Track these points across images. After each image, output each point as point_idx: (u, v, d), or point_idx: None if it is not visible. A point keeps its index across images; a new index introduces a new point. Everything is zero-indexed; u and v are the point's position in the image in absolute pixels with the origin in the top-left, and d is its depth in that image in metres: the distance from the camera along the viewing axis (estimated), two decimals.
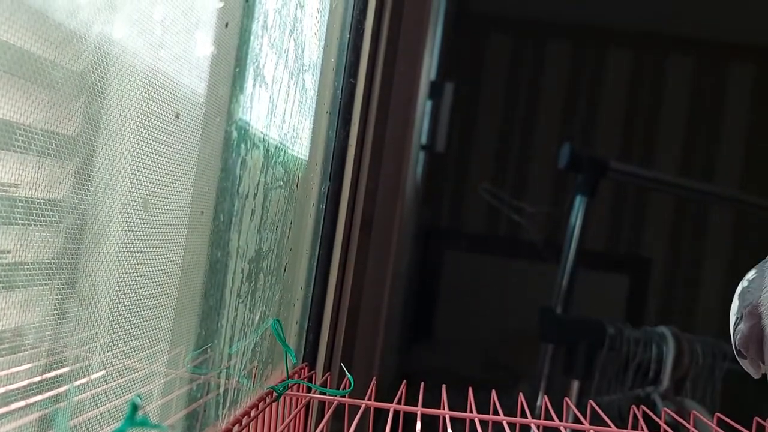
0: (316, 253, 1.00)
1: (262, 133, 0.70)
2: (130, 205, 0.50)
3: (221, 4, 0.59)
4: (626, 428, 0.72)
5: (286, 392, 0.75)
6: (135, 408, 0.37)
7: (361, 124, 1.06)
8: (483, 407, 0.78)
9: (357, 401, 0.75)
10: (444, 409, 0.75)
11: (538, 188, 2.21)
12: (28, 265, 0.41)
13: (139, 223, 0.52)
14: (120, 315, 0.50)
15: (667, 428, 0.78)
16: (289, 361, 0.75)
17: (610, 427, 0.72)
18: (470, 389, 0.83)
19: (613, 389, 1.61)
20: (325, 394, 0.79)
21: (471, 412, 0.77)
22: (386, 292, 1.38)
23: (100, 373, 0.49)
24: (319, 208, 0.99)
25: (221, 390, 0.67)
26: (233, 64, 0.62)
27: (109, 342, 0.49)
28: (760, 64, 2.26)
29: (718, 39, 2.25)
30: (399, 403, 0.75)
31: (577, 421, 0.78)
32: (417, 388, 0.82)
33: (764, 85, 2.25)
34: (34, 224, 0.41)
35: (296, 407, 0.77)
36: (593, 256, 2.11)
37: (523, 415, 0.77)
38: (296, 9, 0.76)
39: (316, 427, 0.72)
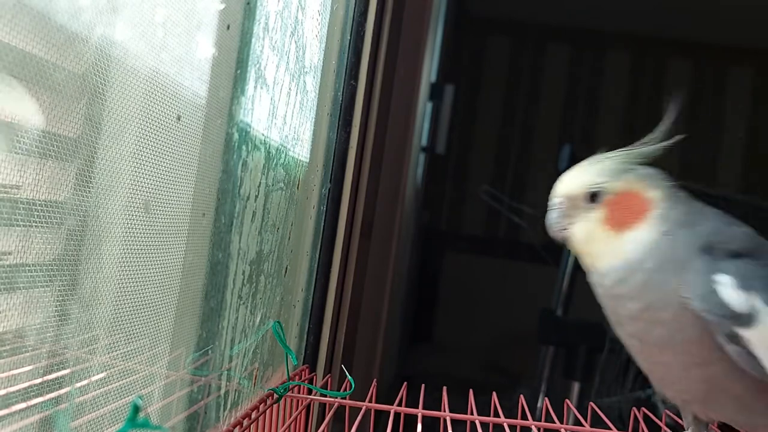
0: (317, 255, 1.00)
1: (263, 134, 0.70)
2: (131, 206, 0.50)
3: (223, 6, 0.59)
4: (627, 430, 0.72)
5: (287, 394, 0.75)
6: (136, 409, 0.37)
7: (361, 126, 1.06)
8: (483, 409, 0.78)
9: (358, 403, 0.75)
10: (445, 411, 0.75)
11: (539, 190, 2.21)
12: (30, 266, 0.41)
13: (140, 225, 0.52)
14: (121, 317, 0.50)
15: (667, 430, 0.78)
16: (290, 363, 0.75)
17: (610, 429, 0.72)
18: (471, 391, 0.83)
19: (614, 391, 1.61)
20: (325, 396, 0.79)
21: (471, 414, 0.77)
22: (386, 293, 1.38)
23: (101, 375, 0.49)
24: (319, 210, 0.99)
25: (222, 392, 0.67)
26: (234, 66, 0.62)
27: (110, 344, 0.49)
28: (758, 66, 2.26)
29: (717, 42, 2.25)
30: (400, 405, 0.75)
31: (577, 423, 0.78)
32: (417, 391, 0.82)
33: (763, 87, 2.25)
34: (36, 226, 0.41)
35: (297, 409, 0.77)
36: None
37: (524, 417, 0.77)
38: (297, 11, 0.76)
39: (316, 429, 0.72)
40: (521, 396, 0.83)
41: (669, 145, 0.65)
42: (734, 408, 0.63)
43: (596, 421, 0.76)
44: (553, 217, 0.65)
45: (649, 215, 0.62)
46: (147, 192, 0.51)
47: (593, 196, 0.63)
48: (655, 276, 0.60)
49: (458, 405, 0.79)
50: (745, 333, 0.57)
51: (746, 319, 0.57)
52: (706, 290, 0.58)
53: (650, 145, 0.65)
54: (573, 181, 0.65)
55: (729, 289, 0.58)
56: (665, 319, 0.60)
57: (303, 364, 0.97)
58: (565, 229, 0.64)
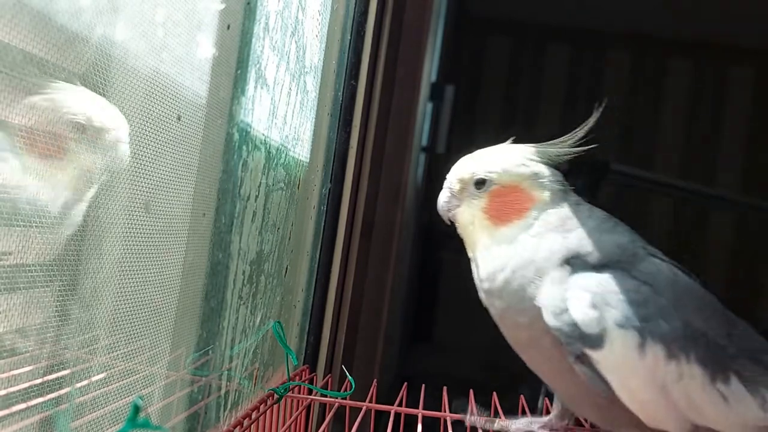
0: (317, 255, 1.00)
1: (263, 135, 0.70)
2: (131, 206, 0.50)
3: (223, 6, 0.59)
4: None
5: (287, 394, 0.75)
6: (137, 410, 0.37)
7: (362, 126, 1.06)
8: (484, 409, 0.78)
9: (358, 403, 0.75)
10: (445, 412, 0.74)
11: None
12: (30, 266, 0.41)
13: (141, 225, 0.52)
14: (121, 317, 0.50)
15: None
16: (290, 363, 0.75)
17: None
18: (471, 392, 0.82)
19: None
20: (326, 396, 0.79)
21: (472, 414, 0.77)
22: (387, 293, 1.38)
23: (102, 375, 0.49)
24: (320, 210, 0.99)
25: (222, 392, 0.67)
26: (235, 66, 0.62)
27: (110, 344, 0.49)
28: (758, 66, 2.26)
29: (717, 42, 2.25)
30: (400, 405, 0.75)
31: (578, 423, 0.78)
32: (417, 391, 0.82)
33: (764, 87, 2.25)
34: (36, 226, 0.41)
35: (297, 409, 0.77)
36: None
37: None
38: (297, 11, 0.76)
39: (317, 430, 0.72)
40: (521, 396, 0.83)
41: (580, 151, 0.64)
42: (597, 413, 0.62)
43: None
44: (442, 197, 0.66)
45: (528, 214, 0.61)
46: (147, 192, 0.51)
47: (480, 183, 0.63)
48: (517, 277, 0.59)
49: (459, 405, 0.79)
50: (594, 354, 0.55)
51: (596, 339, 0.55)
52: (559, 307, 0.56)
53: (559, 147, 0.65)
54: (465, 165, 0.65)
55: (581, 308, 0.56)
56: (524, 324, 0.59)
57: (303, 365, 0.97)
58: (450, 210, 0.65)
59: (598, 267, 0.58)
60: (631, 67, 2.33)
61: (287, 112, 0.76)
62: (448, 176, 0.65)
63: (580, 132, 0.64)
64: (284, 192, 0.77)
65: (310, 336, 1.00)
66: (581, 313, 0.56)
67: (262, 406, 0.69)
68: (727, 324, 0.61)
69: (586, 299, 0.56)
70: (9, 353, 0.40)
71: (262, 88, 0.68)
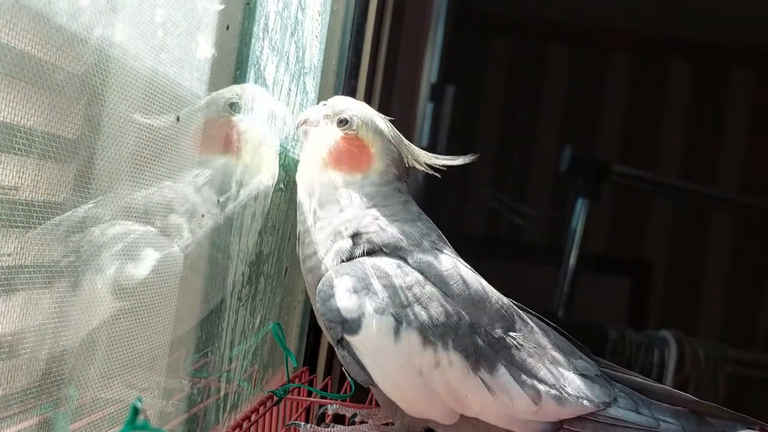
0: None
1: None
2: (130, 207, 0.50)
3: (222, 7, 0.58)
4: None
5: (287, 396, 0.75)
6: (136, 412, 0.37)
7: None
8: None
9: (358, 405, 0.75)
10: None
11: (540, 191, 2.20)
12: (28, 267, 0.41)
13: (140, 226, 0.51)
14: (120, 318, 0.50)
15: None
16: (290, 365, 0.75)
17: None
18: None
19: None
20: (326, 398, 0.79)
21: None
22: None
23: (101, 377, 0.48)
24: None
25: (222, 394, 0.67)
26: (234, 66, 0.62)
27: (109, 345, 0.49)
28: (758, 66, 2.26)
29: (719, 42, 2.25)
30: None
31: None
32: None
33: (763, 87, 2.25)
34: (35, 227, 0.40)
35: (297, 411, 0.77)
36: (595, 260, 2.10)
37: None
38: (297, 11, 0.75)
39: None
40: None
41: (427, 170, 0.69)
42: (385, 406, 0.64)
43: None
44: (312, 109, 0.68)
45: (356, 173, 0.64)
46: (146, 193, 0.51)
47: (343, 122, 0.65)
48: (317, 229, 0.62)
49: None
50: (352, 339, 0.58)
51: (354, 325, 0.57)
52: (327, 293, 0.59)
53: (425, 157, 0.70)
54: (345, 102, 0.67)
55: (343, 293, 0.58)
56: (311, 283, 0.62)
57: (303, 366, 0.97)
58: (305, 124, 0.67)
59: (377, 251, 0.61)
60: (632, 66, 2.33)
61: (287, 113, 0.76)
62: (330, 100, 0.68)
63: (441, 160, 0.71)
64: (284, 193, 0.77)
65: (310, 337, 1.00)
66: (343, 298, 0.58)
67: (261, 408, 0.69)
68: (510, 320, 0.62)
69: (349, 285, 0.58)
70: (8, 354, 0.40)
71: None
